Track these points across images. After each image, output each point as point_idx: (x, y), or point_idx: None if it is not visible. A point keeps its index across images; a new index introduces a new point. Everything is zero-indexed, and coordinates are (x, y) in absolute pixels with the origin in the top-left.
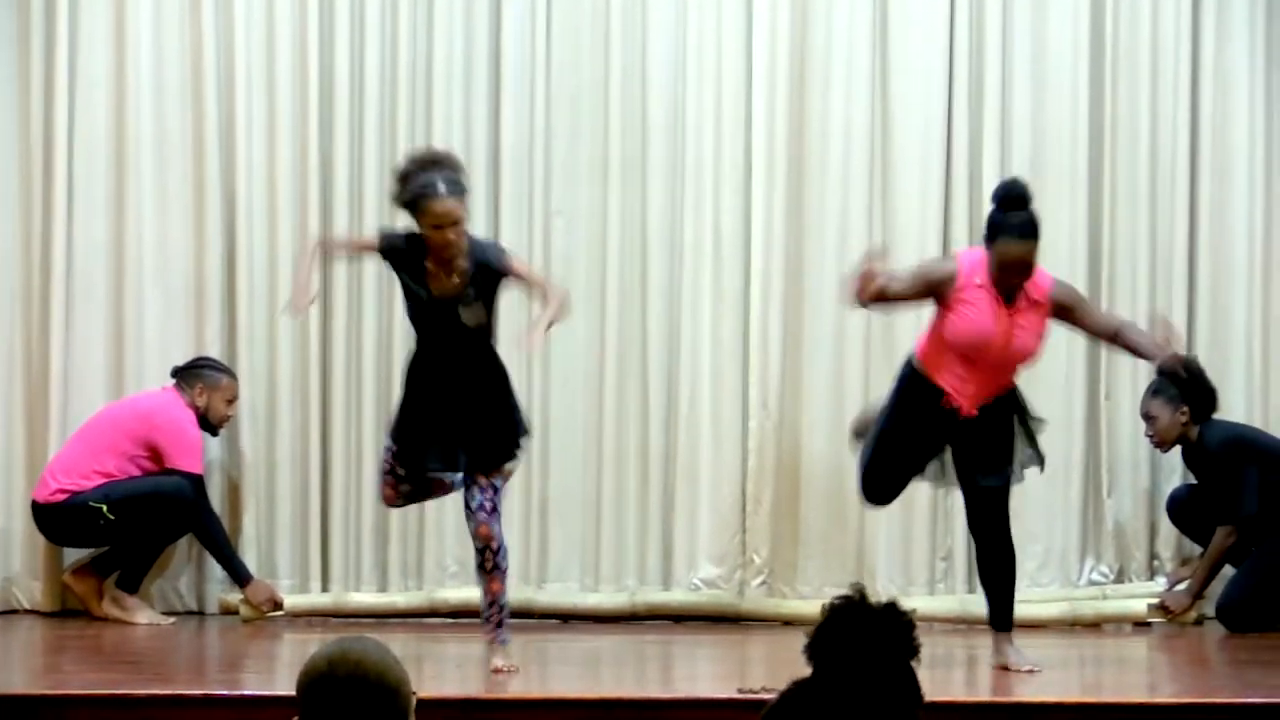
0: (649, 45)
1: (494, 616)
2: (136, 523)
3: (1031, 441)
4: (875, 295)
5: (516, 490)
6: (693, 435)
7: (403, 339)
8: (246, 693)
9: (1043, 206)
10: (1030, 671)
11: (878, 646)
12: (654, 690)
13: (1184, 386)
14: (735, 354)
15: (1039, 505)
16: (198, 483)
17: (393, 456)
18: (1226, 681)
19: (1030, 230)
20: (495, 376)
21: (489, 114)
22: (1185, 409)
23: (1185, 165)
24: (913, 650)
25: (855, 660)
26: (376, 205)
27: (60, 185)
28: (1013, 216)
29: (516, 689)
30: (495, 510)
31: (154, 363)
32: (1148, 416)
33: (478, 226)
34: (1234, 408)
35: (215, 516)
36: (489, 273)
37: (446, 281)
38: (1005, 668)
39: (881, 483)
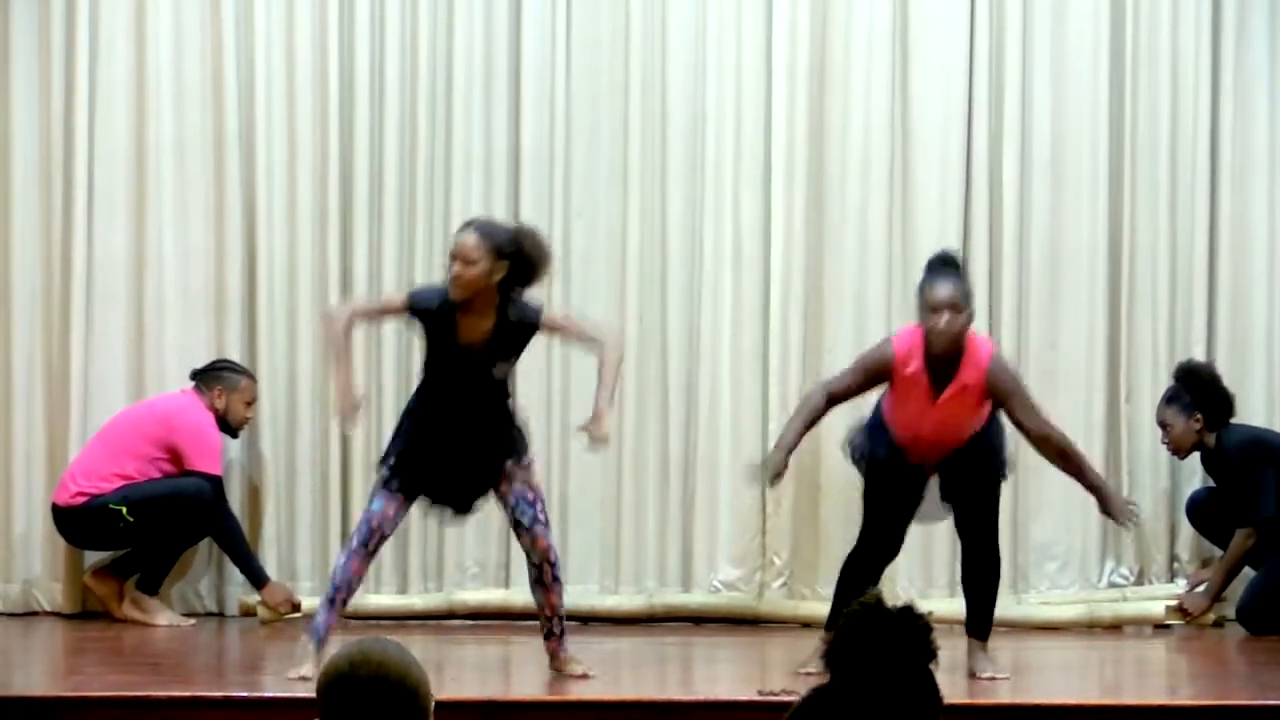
0: (669, 47)
1: (556, 628)
2: (156, 525)
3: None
4: (827, 404)
5: None
6: (712, 437)
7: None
8: (266, 694)
9: (1063, 210)
10: (993, 679)
11: (896, 651)
12: (674, 692)
13: (1197, 394)
14: (755, 356)
15: (1059, 507)
16: (217, 484)
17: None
18: (1246, 684)
19: (952, 292)
20: (504, 418)
21: (509, 117)
22: (1199, 416)
23: (1205, 170)
24: (931, 654)
25: (874, 666)
26: (396, 210)
27: (81, 190)
28: (937, 284)
29: (536, 691)
30: (547, 522)
31: (174, 367)
32: (1163, 424)
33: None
34: (1254, 412)
35: (234, 518)
36: (520, 329)
37: (474, 331)
38: (974, 675)
39: (879, 531)
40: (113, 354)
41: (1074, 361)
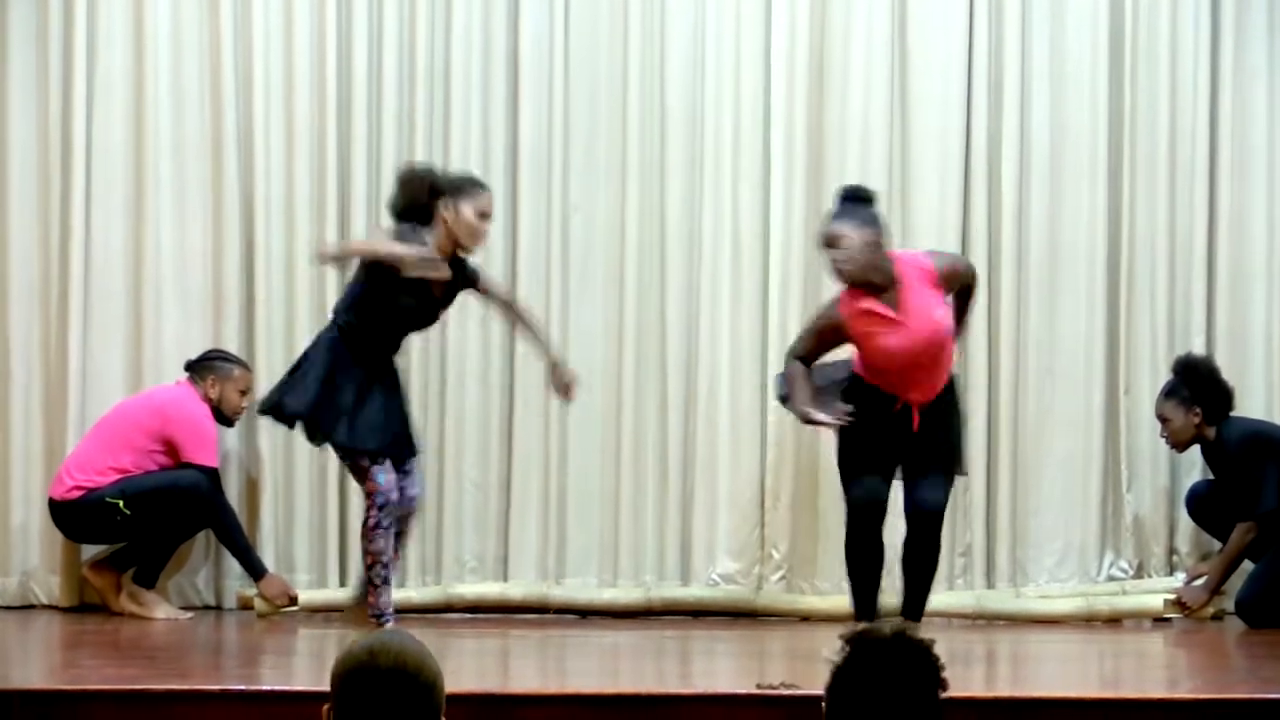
0: (667, 43)
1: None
2: (153, 518)
3: (959, 445)
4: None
5: (534, 485)
6: (711, 430)
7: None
8: (264, 688)
9: (1062, 205)
10: None
11: (903, 686)
12: (672, 685)
13: (1196, 387)
14: (753, 349)
15: (1058, 500)
16: (213, 476)
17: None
18: (1245, 677)
19: (832, 228)
20: None
21: (507, 112)
22: (1198, 410)
23: (1204, 164)
24: (939, 683)
25: (881, 700)
26: None
27: (79, 187)
28: (826, 223)
29: (534, 684)
30: None
31: (172, 363)
32: (1162, 418)
33: (494, 222)
34: (1253, 404)
35: (231, 510)
36: (464, 281)
37: (439, 282)
38: None
39: (863, 478)
40: (110, 349)
41: (1073, 355)
